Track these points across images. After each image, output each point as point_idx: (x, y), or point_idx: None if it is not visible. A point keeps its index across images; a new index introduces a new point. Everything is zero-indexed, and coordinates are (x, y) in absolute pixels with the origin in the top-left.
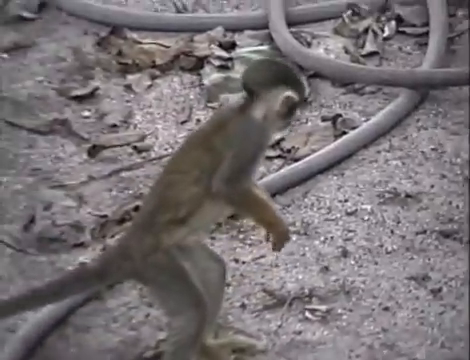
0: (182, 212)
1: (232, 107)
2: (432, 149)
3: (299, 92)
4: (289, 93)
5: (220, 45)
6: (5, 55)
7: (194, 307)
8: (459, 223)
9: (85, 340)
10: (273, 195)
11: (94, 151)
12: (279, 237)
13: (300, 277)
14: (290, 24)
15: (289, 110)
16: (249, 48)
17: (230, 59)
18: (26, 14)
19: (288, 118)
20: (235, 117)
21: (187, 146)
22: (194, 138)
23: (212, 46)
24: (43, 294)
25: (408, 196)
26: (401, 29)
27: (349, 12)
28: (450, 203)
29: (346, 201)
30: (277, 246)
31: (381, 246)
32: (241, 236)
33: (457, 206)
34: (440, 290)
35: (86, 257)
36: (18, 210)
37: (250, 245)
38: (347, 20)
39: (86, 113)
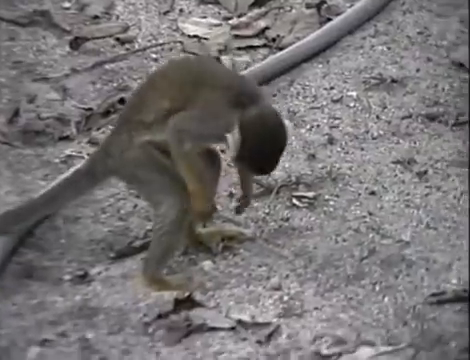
0: (149, 118)
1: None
2: (418, 33)
3: None
4: None
5: None
6: None
7: (173, 194)
8: (445, 106)
9: (75, 230)
10: (259, 85)
11: (76, 43)
12: (197, 214)
13: (287, 165)
14: None
15: None
16: None
17: None
18: None
19: None
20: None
21: (183, 62)
22: (191, 61)
23: None
24: (40, 205)
25: (394, 81)
26: None
27: None
28: (436, 86)
29: (332, 88)
30: (195, 220)
31: (367, 132)
32: None
33: (443, 89)
34: (426, 172)
35: (72, 150)
36: (2, 103)
37: None
38: None
39: (66, 4)
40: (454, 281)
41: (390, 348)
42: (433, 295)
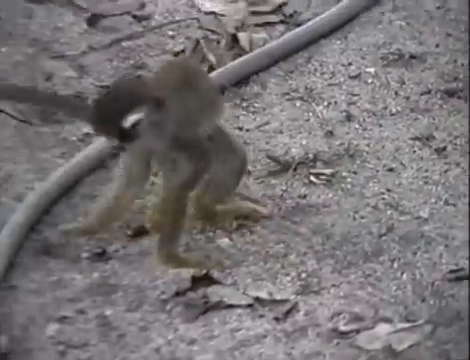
0: None
1: None
2: (437, 7)
3: None
4: None
5: None
6: None
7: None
8: (464, 81)
9: (92, 208)
10: (276, 62)
11: (93, 20)
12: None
13: (304, 142)
14: None
15: None
16: None
17: None
18: None
19: None
20: None
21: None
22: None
23: None
24: None
25: (412, 57)
26: None
27: None
28: (455, 61)
29: (350, 65)
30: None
31: (385, 108)
32: (244, 104)
33: (462, 64)
34: (444, 149)
35: (90, 128)
36: (19, 81)
37: (253, 112)
38: None
39: None
40: None
41: (408, 325)
42: (451, 272)
